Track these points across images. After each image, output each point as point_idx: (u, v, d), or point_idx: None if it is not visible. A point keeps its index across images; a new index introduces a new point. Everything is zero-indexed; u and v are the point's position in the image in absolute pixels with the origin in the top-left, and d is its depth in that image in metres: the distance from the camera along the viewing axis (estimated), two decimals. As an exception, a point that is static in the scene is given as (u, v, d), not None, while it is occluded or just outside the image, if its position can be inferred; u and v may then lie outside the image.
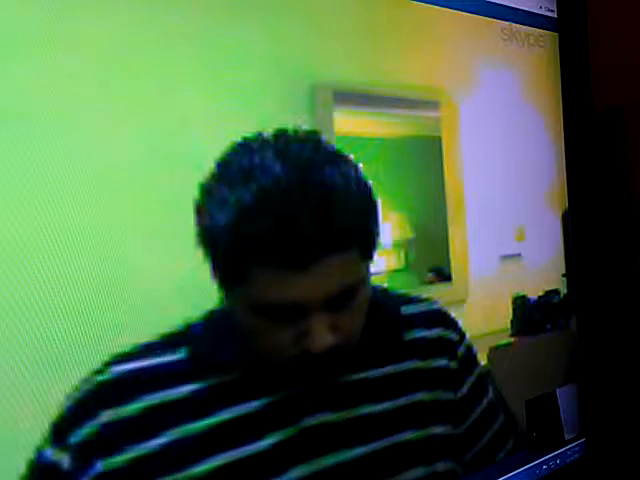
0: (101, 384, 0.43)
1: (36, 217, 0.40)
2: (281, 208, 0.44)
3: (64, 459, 0.42)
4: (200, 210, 0.46)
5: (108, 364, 0.43)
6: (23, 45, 0.40)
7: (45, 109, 0.41)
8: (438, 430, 0.61)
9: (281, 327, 0.48)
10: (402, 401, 0.58)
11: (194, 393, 0.46)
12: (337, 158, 0.50)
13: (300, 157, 0.47)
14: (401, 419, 0.58)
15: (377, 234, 0.52)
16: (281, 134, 0.49)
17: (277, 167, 0.45)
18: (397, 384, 0.58)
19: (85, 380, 0.42)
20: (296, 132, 0.50)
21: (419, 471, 0.59)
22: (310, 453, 0.52)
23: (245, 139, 0.48)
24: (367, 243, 0.50)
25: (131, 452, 0.44)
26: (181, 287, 0.46)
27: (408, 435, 0.58)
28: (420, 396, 0.59)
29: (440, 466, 0.61)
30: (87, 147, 0.43)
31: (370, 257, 0.52)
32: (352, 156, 0.51)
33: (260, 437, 0.49)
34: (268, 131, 0.49)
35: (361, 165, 0.51)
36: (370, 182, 0.51)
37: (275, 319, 0.47)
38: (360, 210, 0.48)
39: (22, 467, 0.40)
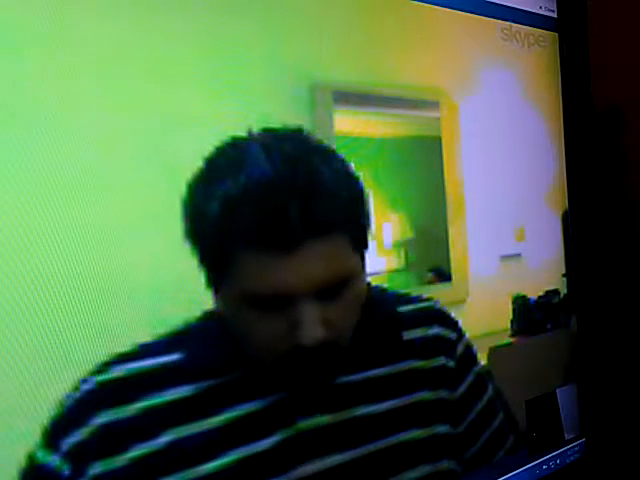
0: (101, 384, 0.43)
1: (35, 216, 0.40)
2: (265, 191, 0.45)
3: (62, 461, 0.42)
4: (187, 205, 0.46)
5: (107, 364, 0.43)
6: (23, 44, 0.40)
7: (44, 108, 0.41)
8: (439, 429, 0.61)
9: (271, 319, 0.47)
10: (401, 401, 0.58)
11: (191, 395, 0.46)
12: (323, 149, 0.52)
13: (285, 147, 0.48)
14: (400, 419, 0.57)
15: (365, 222, 0.52)
16: (267, 130, 0.50)
17: (262, 157, 0.46)
18: (396, 384, 0.58)
19: (84, 380, 0.42)
20: (283, 128, 0.51)
21: (420, 471, 0.59)
22: (306, 455, 0.51)
23: (232, 138, 0.49)
24: (355, 230, 0.50)
25: (129, 453, 0.43)
26: (180, 286, 0.46)
27: (409, 435, 0.58)
28: (418, 396, 0.59)
29: (442, 465, 0.61)
30: (86, 146, 0.43)
31: (361, 247, 0.52)
32: (335, 147, 0.54)
33: (258, 439, 0.49)
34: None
35: (353, 163, 0.53)
36: (356, 172, 0.53)
37: (264, 310, 0.47)
38: (344, 195, 0.49)
39: (21, 467, 0.40)
